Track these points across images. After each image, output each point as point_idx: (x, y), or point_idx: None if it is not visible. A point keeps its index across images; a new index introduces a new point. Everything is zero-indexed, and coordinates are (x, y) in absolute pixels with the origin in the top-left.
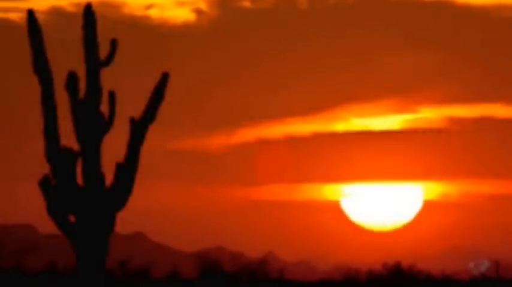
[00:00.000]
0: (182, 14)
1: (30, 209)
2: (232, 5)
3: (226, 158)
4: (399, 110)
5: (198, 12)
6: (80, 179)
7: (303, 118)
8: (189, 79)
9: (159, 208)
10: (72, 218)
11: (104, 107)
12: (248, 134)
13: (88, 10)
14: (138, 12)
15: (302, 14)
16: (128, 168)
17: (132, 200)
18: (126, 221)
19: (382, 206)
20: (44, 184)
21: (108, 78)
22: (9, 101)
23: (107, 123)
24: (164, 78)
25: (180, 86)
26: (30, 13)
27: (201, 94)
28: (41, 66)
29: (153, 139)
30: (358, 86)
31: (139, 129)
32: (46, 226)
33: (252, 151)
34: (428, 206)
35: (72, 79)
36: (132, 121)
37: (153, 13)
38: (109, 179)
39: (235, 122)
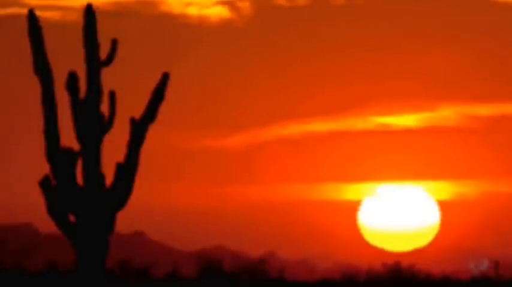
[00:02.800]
0: (219, 12)
1: (31, 209)
2: (268, 3)
3: (240, 157)
4: (418, 109)
5: (235, 10)
6: (80, 179)
7: (323, 117)
8: (213, 78)
9: (160, 207)
10: (72, 218)
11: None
12: (268, 134)
13: (88, 10)
14: (176, 10)
15: (338, 11)
16: (128, 168)
17: (132, 200)
18: (126, 221)
19: (400, 208)
20: (44, 183)
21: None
22: (9, 100)
23: (107, 123)
24: (164, 78)
25: (206, 85)
26: (31, 12)
27: (228, 93)
28: (41, 66)
29: (163, 139)
30: (379, 84)
31: (139, 129)
32: (46, 225)
33: (270, 150)
34: (447, 206)
35: (72, 79)
36: (132, 121)
37: (191, 11)
38: (109, 179)
39: (256, 121)
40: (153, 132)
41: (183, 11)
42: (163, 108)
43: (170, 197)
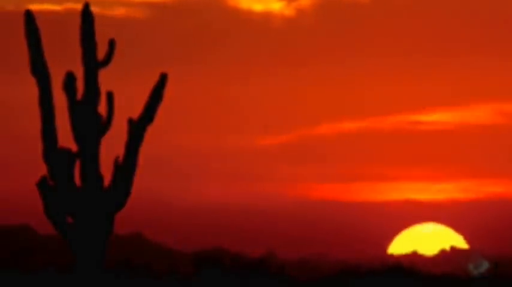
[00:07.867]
0: (281, 8)
1: (29, 210)
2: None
3: (258, 158)
4: (450, 106)
5: (296, 6)
6: (78, 180)
7: (356, 117)
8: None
9: (160, 208)
10: (70, 219)
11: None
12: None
13: (86, 9)
14: (243, 5)
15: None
16: (127, 169)
17: (131, 200)
18: (125, 221)
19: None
20: (42, 185)
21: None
22: (7, 101)
23: (105, 124)
24: (162, 79)
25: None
26: (28, 13)
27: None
28: (39, 67)
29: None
30: (416, 83)
31: (137, 130)
32: (45, 226)
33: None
34: (475, 205)
35: (70, 80)
36: (130, 122)
37: (257, 7)
38: (108, 179)
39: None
40: (160, 133)
41: (248, 7)
42: (178, 108)
43: (171, 198)
